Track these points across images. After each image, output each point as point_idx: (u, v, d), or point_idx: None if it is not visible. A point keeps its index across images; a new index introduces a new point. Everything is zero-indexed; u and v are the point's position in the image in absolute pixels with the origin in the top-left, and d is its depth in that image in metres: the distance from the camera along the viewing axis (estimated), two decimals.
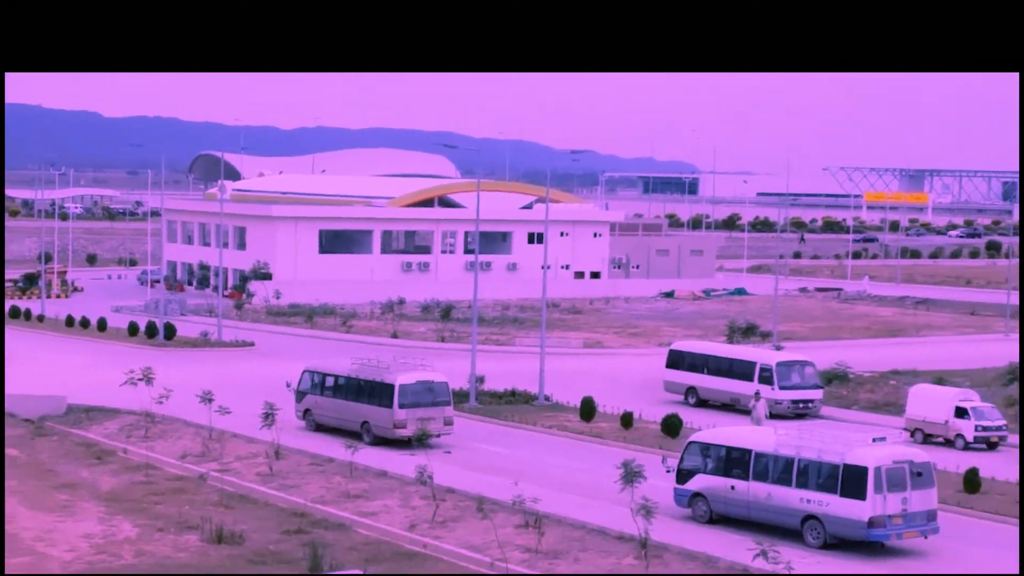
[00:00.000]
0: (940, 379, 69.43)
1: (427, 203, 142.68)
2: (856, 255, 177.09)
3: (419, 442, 52.25)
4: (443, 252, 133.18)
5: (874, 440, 42.65)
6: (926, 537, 41.79)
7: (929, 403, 60.09)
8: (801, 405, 65.77)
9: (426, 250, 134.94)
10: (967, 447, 58.34)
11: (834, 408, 67.42)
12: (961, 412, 58.96)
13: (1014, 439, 58.89)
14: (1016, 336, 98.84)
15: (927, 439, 58.98)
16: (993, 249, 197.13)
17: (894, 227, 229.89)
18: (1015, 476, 50.70)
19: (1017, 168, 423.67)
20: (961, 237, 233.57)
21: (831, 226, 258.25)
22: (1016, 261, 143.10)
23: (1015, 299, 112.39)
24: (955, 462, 53.11)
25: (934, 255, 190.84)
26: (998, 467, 53.17)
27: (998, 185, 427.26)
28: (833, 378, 71.17)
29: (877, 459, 41.03)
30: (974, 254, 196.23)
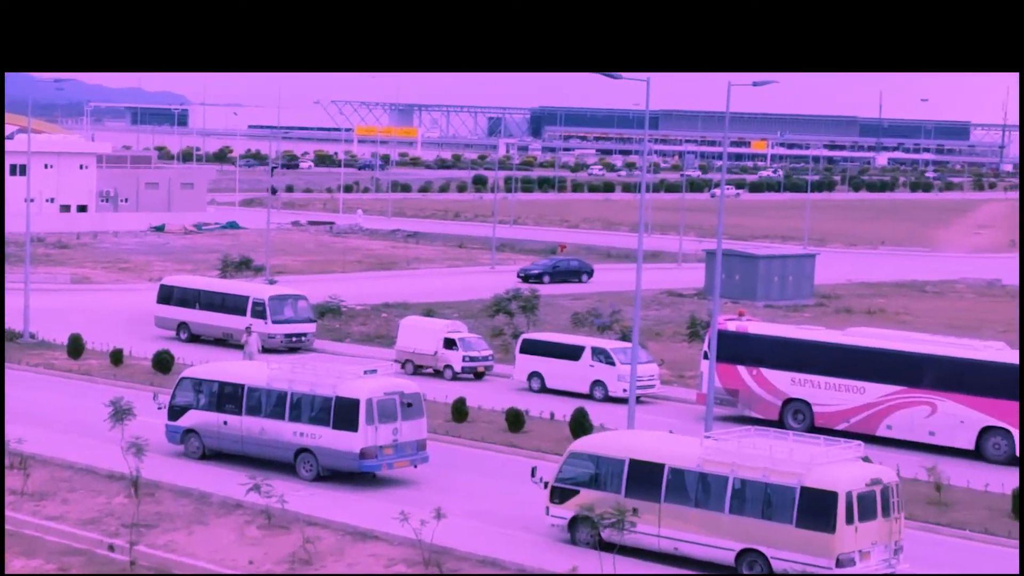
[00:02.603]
0: (430, 311, 71.02)
1: None
2: (348, 188, 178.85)
3: None
4: None
5: (365, 372, 43.13)
6: (416, 466, 42.69)
7: (419, 335, 61.34)
8: (294, 339, 65.96)
9: None
10: (455, 377, 59.90)
11: (327, 341, 67.97)
12: (450, 343, 60.45)
13: (500, 368, 60.88)
14: (501, 268, 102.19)
15: (418, 370, 60.24)
16: (480, 184, 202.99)
17: (385, 160, 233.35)
18: (500, 404, 52.44)
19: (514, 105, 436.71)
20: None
21: (323, 159, 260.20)
22: (503, 194, 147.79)
23: (501, 232, 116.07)
24: (444, 392, 54.47)
25: (424, 189, 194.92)
26: (484, 396, 54.88)
27: (484, 120, 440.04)
28: (326, 311, 71.70)
29: (369, 391, 41.54)
30: (461, 188, 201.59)
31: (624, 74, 45.87)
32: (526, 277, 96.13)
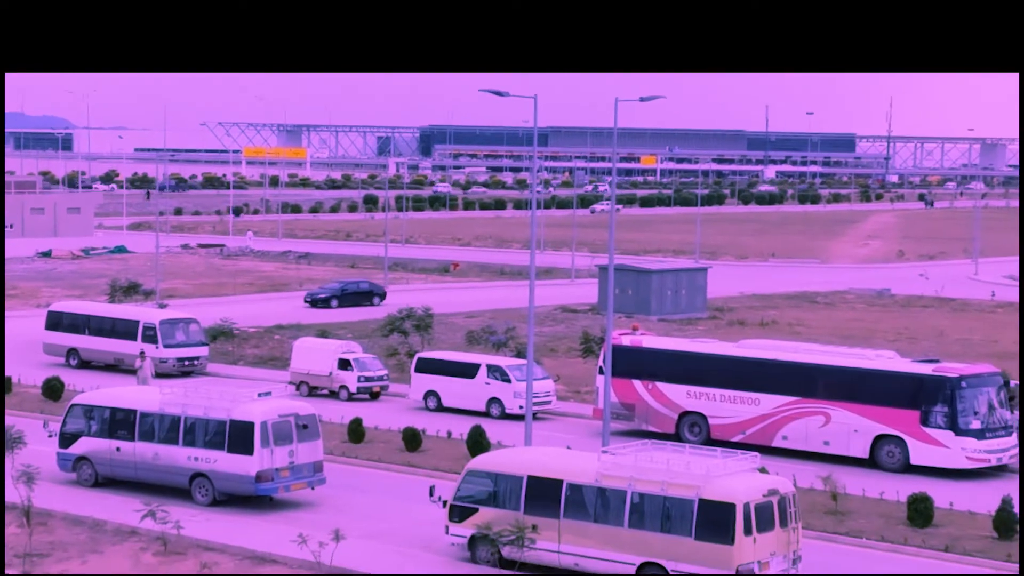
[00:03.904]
0: (323, 332, 70.62)
1: None
2: (237, 211, 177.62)
3: None
4: None
5: (260, 395, 42.80)
6: (313, 488, 42.38)
7: (313, 356, 60.97)
8: (187, 363, 65.33)
9: None
10: (351, 397, 59.58)
11: (220, 364, 67.37)
12: (344, 364, 60.13)
13: (395, 387, 60.65)
14: (394, 287, 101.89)
15: (312, 391, 59.86)
16: (371, 203, 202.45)
17: (274, 182, 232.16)
18: (396, 424, 52.23)
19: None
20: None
21: (211, 181, 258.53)
22: (393, 214, 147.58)
23: (393, 251, 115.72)
24: (340, 412, 54.17)
25: (314, 210, 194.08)
26: (380, 416, 54.64)
27: (373, 140, 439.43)
28: (219, 334, 70.98)
29: (263, 413, 41.21)
30: (352, 208, 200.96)
31: (511, 92, 45.94)
32: (313, 302, 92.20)
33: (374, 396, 60.32)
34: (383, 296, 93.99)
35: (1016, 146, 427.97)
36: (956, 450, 47.25)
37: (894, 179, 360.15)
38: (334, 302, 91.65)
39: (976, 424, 47.37)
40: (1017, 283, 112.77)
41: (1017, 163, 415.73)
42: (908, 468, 47.70)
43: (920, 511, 40.11)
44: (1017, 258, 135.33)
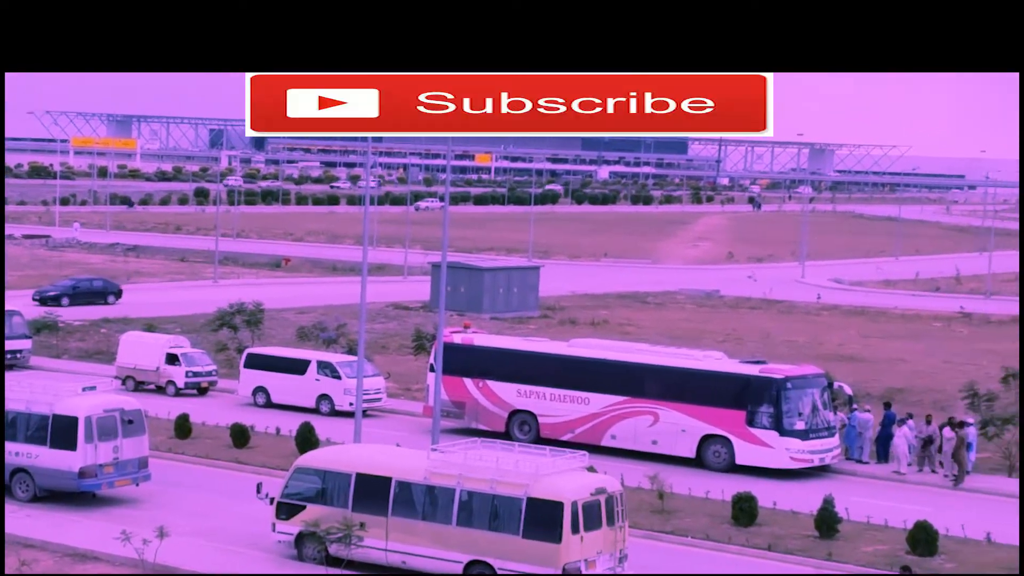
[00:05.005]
0: (151, 326, 69.63)
1: None
2: (64, 201, 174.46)
3: None
4: None
5: (84, 389, 42.05)
6: (138, 484, 41.75)
7: (140, 350, 60.14)
8: (10, 356, 63.97)
9: None
10: (178, 393, 58.84)
11: (44, 358, 66.11)
12: (172, 358, 59.37)
13: (224, 383, 60.03)
14: (225, 282, 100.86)
15: (139, 386, 58.99)
16: (202, 196, 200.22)
17: (103, 173, 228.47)
18: (225, 420, 51.68)
19: None
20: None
21: (38, 171, 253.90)
22: None
23: (224, 245, 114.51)
24: (167, 408, 53.46)
25: (144, 202, 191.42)
26: (209, 412, 54.05)
27: (205, 132, 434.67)
28: (42, 327, 69.67)
29: (87, 408, 40.50)
30: (183, 200, 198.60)
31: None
32: (43, 300, 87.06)
33: (202, 391, 59.64)
34: (119, 295, 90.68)
35: (844, 151, 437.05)
36: (780, 450, 47.99)
37: (724, 181, 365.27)
38: (65, 300, 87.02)
39: (800, 425, 48.15)
40: (841, 286, 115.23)
41: (844, 169, 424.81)
42: (734, 468, 48.34)
43: (744, 510, 40.68)
44: (841, 261, 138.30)
